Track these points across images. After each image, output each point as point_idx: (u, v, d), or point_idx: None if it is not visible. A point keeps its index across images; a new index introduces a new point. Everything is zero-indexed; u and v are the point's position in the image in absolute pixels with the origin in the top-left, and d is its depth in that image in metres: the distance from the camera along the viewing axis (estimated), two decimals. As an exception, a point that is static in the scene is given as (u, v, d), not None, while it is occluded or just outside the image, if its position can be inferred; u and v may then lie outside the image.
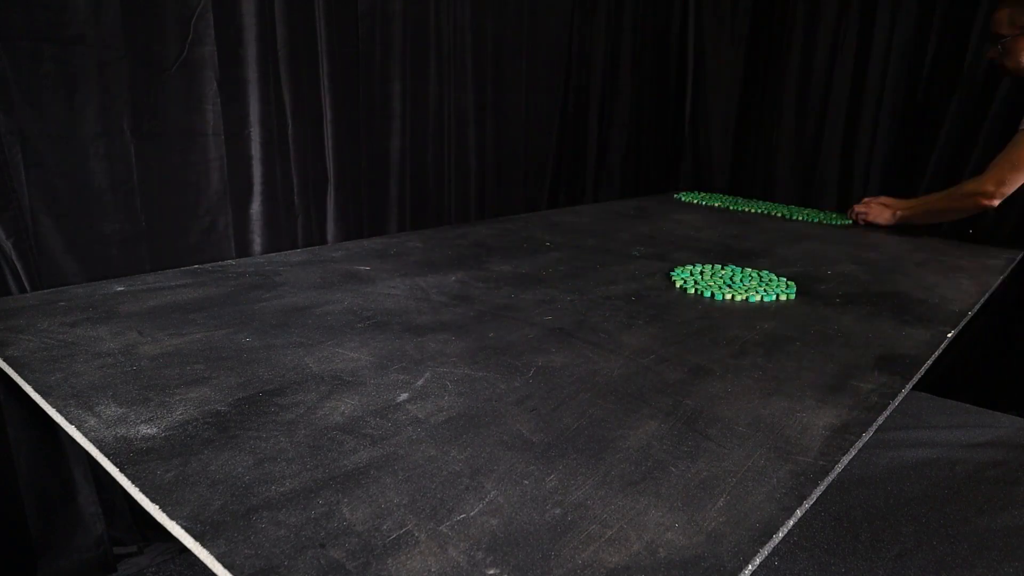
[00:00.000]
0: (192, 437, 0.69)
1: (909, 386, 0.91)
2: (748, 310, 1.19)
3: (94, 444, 0.68)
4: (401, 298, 1.17)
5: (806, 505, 0.63)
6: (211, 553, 0.53)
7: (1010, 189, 1.68)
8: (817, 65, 2.64)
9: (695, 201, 2.34)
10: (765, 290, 1.27)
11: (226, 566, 0.51)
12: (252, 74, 1.52)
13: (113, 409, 0.74)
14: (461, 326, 1.05)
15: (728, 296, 1.25)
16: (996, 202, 1.69)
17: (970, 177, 1.83)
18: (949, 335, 1.10)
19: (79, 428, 0.70)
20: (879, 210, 1.96)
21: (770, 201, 2.43)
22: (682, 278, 1.35)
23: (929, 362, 1.00)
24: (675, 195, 2.47)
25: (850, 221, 2.05)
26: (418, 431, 0.73)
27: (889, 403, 0.84)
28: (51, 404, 0.75)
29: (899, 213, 1.91)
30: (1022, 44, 1.73)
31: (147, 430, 0.70)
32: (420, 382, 0.85)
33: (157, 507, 0.58)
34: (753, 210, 2.21)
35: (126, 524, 1.50)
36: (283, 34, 1.58)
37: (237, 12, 1.47)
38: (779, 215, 2.15)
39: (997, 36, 1.75)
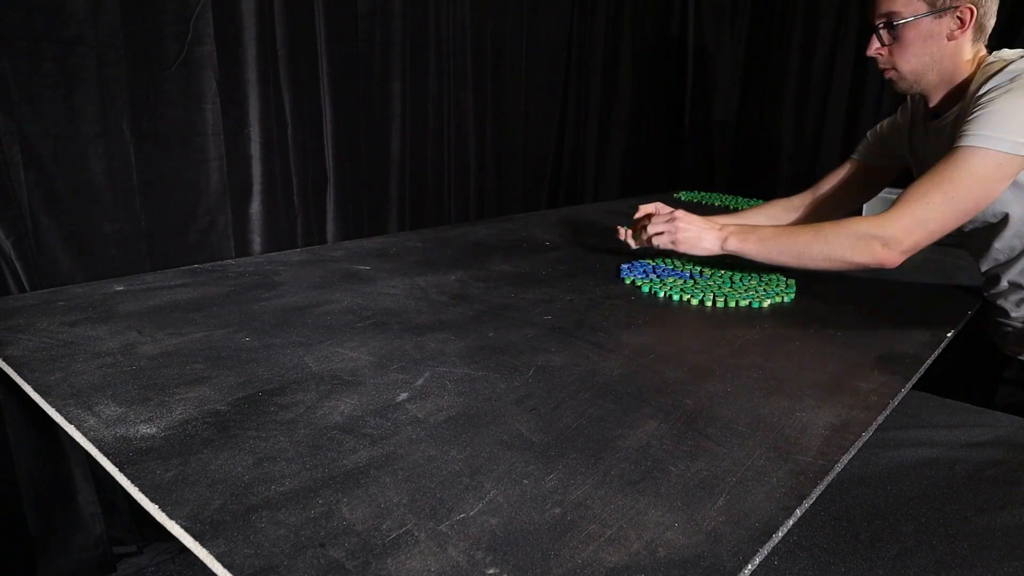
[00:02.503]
0: (192, 437, 0.69)
1: (909, 386, 0.91)
2: (747, 309, 1.19)
3: (93, 444, 0.68)
4: (401, 298, 1.17)
5: (806, 505, 0.63)
6: (211, 553, 0.53)
7: (928, 239, 1.10)
8: (817, 65, 2.64)
9: (695, 200, 2.34)
10: (763, 292, 1.27)
11: (226, 566, 0.51)
12: (252, 74, 1.52)
13: (112, 409, 0.74)
14: (461, 326, 1.05)
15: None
16: (903, 259, 1.11)
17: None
18: (949, 335, 1.10)
19: (79, 428, 0.70)
20: (693, 233, 1.23)
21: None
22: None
23: (929, 362, 1.00)
24: (675, 195, 2.47)
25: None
26: (418, 431, 0.73)
27: (889, 402, 0.84)
28: (51, 404, 0.75)
29: (730, 241, 1.21)
30: (925, 31, 1.11)
31: (146, 430, 0.70)
32: (420, 382, 0.85)
33: (157, 507, 0.58)
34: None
35: (126, 524, 1.50)
36: (283, 34, 1.57)
37: (237, 12, 1.47)
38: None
39: (888, 18, 1.13)
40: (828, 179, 1.49)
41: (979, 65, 1.14)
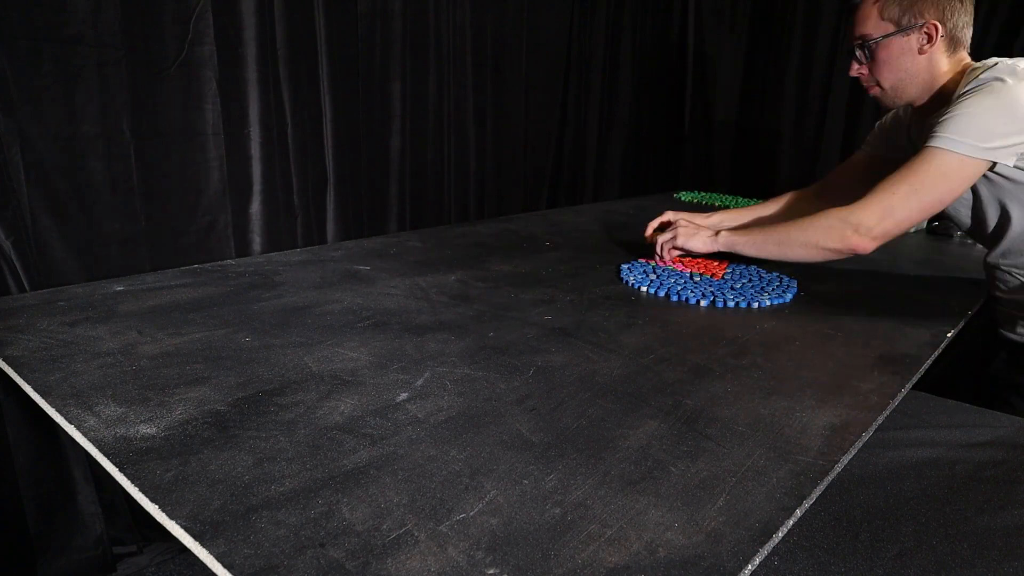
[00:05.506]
0: (192, 437, 0.69)
1: (909, 386, 0.91)
2: (747, 310, 1.19)
3: (93, 444, 0.68)
4: (401, 298, 1.17)
5: (806, 505, 0.63)
6: (211, 553, 0.53)
7: (897, 228, 1.16)
8: (817, 65, 2.64)
9: (695, 201, 2.34)
10: (763, 292, 1.27)
11: (226, 566, 0.51)
12: (252, 74, 1.52)
13: (112, 409, 0.74)
14: (461, 326, 1.05)
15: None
16: (874, 245, 1.18)
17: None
18: (949, 335, 1.10)
19: (79, 428, 0.70)
20: (689, 232, 1.39)
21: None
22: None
23: (929, 362, 1.00)
24: (675, 195, 2.47)
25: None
26: (418, 431, 0.73)
27: (889, 403, 0.84)
28: (51, 404, 0.75)
29: (722, 237, 1.34)
30: (896, 49, 1.21)
31: (146, 430, 0.70)
32: (420, 382, 0.85)
33: (157, 507, 0.58)
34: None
35: (126, 524, 1.50)
36: (283, 34, 1.57)
37: (237, 12, 1.47)
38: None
39: (862, 39, 1.23)
40: (839, 171, 1.56)
41: (964, 72, 1.21)
